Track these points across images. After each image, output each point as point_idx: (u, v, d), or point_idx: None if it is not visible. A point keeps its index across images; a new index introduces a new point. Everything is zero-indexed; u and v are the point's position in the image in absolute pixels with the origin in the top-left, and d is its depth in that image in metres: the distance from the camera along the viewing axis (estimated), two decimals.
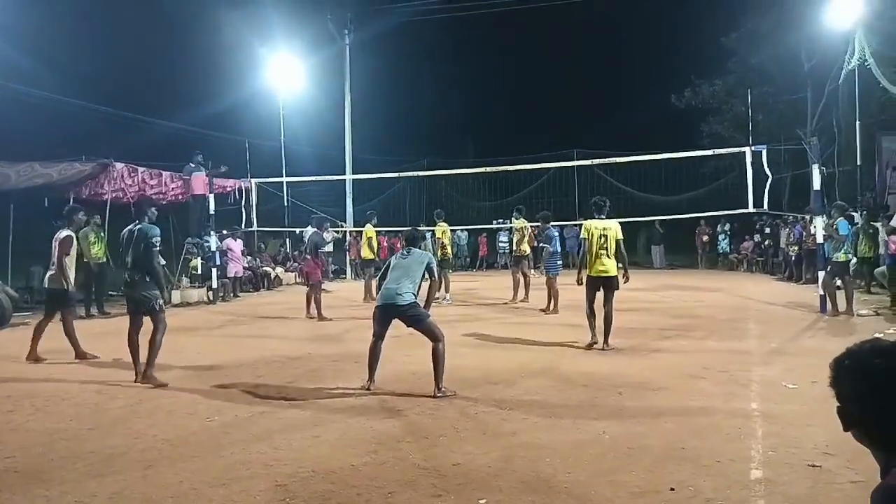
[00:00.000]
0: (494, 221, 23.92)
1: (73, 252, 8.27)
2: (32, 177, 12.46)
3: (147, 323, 6.75)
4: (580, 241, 8.22)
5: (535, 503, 3.53)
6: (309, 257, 12.00)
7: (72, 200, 14.40)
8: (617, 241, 7.91)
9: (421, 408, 5.44)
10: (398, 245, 22.68)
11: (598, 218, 8.11)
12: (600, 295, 7.99)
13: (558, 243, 12.10)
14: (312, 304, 11.42)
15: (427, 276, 6.25)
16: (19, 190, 12.73)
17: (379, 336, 6.15)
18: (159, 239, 6.79)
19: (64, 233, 8.25)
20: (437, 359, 5.89)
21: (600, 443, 4.47)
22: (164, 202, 16.24)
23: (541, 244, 12.24)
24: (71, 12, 21.91)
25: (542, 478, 3.88)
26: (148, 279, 6.65)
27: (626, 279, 8.09)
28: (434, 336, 5.97)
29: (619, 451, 4.28)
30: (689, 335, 8.92)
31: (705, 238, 22.18)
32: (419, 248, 6.50)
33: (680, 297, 13.64)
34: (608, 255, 7.86)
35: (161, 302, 6.74)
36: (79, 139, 17.63)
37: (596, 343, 7.93)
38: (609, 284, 7.92)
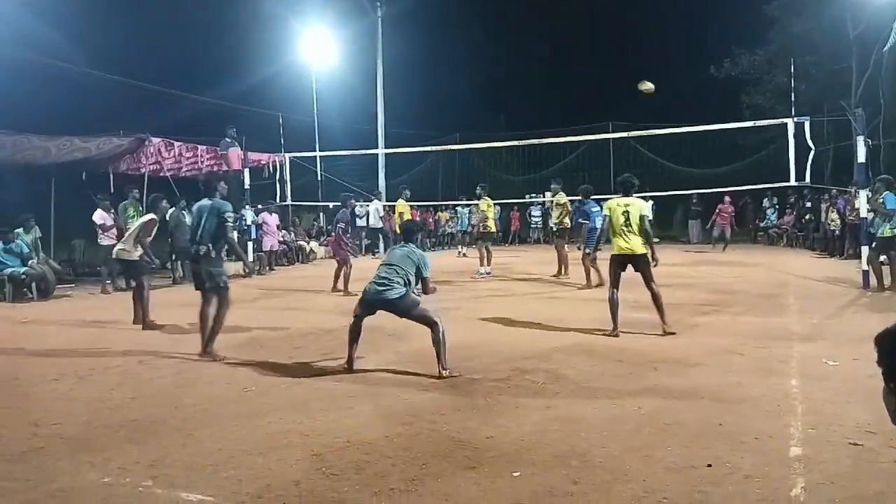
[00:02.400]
0: (527, 196, 23.74)
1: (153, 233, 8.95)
2: (71, 150, 12.68)
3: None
4: (603, 219, 7.75)
5: (568, 477, 3.52)
6: (334, 234, 12.10)
7: (111, 174, 14.70)
8: (641, 218, 7.38)
9: (455, 381, 5.46)
10: (430, 220, 22.74)
11: (624, 196, 7.63)
12: (625, 276, 7.48)
13: (597, 219, 11.68)
14: (341, 279, 11.46)
15: (418, 279, 5.99)
16: (59, 164, 13.00)
17: (360, 318, 6.00)
18: (232, 214, 6.95)
19: (148, 216, 8.91)
20: (437, 343, 5.69)
21: (636, 418, 4.44)
22: (200, 176, 16.47)
23: (579, 220, 11.91)
24: None
25: (577, 452, 3.87)
26: (214, 255, 6.73)
27: (655, 262, 7.46)
28: (429, 322, 5.78)
29: (654, 427, 4.24)
30: (726, 311, 8.79)
31: (725, 228, 20.47)
32: (415, 242, 6.32)
33: (717, 272, 13.43)
34: (632, 233, 7.34)
35: (226, 279, 6.80)
36: (116, 114, 17.92)
37: (618, 335, 7.22)
38: (638, 263, 7.39)
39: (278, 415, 4.66)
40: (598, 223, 10.95)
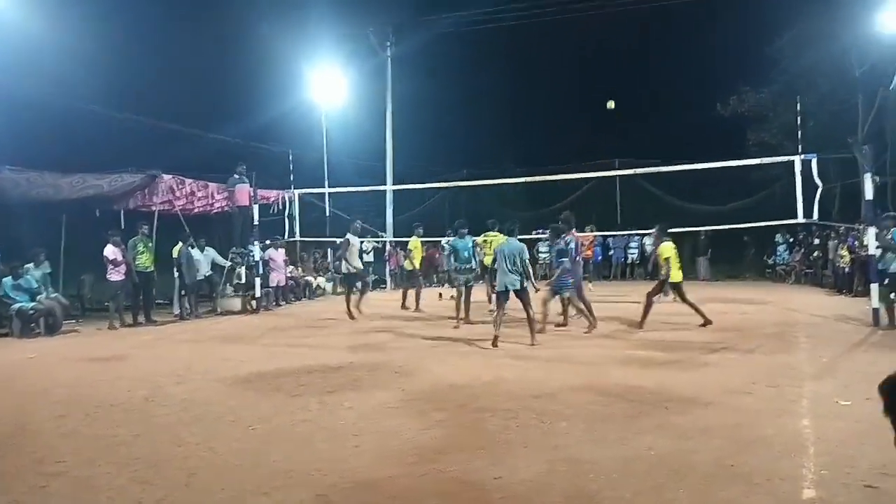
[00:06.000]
0: (534, 231, 23.74)
1: (352, 249, 12.90)
2: (84, 188, 12.80)
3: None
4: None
5: None
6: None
7: (122, 212, 14.83)
8: (666, 260, 10.48)
9: (461, 420, 5.41)
10: (437, 255, 22.77)
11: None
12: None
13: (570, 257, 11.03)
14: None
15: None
16: (71, 200, 13.11)
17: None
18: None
19: (348, 236, 13.00)
20: (531, 322, 9.37)
21: (646, 458, 4.37)
22: (212, 213, 16.60)
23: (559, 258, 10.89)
24: (122, 29, 22.57)
25: (586, 494, 3.80)
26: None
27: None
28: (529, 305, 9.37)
29: (665, 468, 4.17)
30: (736, 349, 8.70)
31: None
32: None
33: (726, 310, 13.32)
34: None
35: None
36: (128, 152, 18.07)
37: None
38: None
39: (283, 453, 4.62)
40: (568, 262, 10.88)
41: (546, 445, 4.69)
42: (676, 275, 10.63)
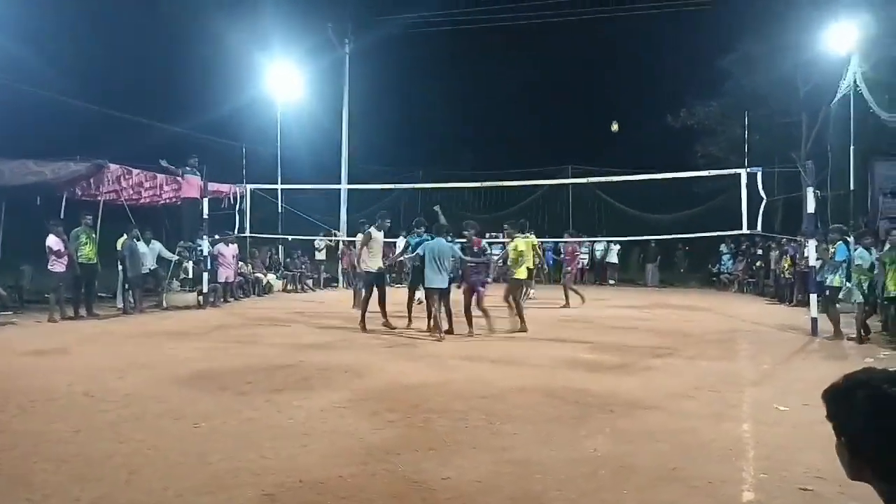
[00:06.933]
0: (487, 234, 23.88)
1: (373, 245, 11.09)
2: (25, 174, 12.36)
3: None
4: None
5: None
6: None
7: (64, 200, 14.34)
8: (521, 253, 11.00)
9: (411, 420, 5.40)
10: (390, 254, 22.70)
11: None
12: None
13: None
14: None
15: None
16: (11, 187, 12.63)
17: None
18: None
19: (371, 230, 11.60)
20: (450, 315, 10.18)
21: (591, 461, 4.44)
22: (160, 205, 16.21)
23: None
24: (74, 13, 21.86)
25: (532, 495, 3.84)
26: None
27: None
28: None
29: (610, 470, 4.25)
30: (680, 354, 8.91)
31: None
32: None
33: (670, 316, 13.65)
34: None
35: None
36: (77, 139, 17.50)
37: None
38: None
39: (228, 452, 4.54)
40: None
41: (494, 446, 4.73)
42: (522, 272, 11.01)
